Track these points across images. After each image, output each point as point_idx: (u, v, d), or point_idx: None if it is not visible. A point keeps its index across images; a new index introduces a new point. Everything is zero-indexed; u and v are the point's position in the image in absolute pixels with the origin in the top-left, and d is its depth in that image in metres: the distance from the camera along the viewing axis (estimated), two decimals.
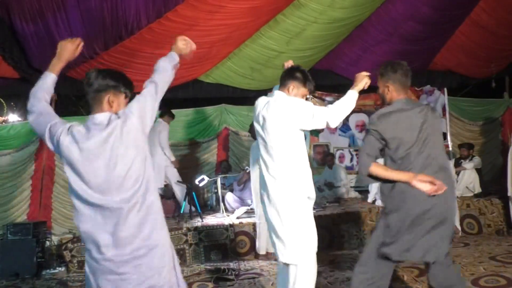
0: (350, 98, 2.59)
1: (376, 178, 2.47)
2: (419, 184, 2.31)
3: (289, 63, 2.87)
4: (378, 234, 2.50)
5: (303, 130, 2.61)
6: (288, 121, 2.52)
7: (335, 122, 2.57)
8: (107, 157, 1.81)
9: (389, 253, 2.39)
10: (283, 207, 2.53)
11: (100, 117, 1.87)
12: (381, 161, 2.57)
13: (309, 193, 2.58)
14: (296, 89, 2.63)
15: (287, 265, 2.56)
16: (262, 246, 4.68)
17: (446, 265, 2.44)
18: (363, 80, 2.63)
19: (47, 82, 2.02)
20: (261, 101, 2.70)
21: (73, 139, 1.83)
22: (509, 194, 5.33)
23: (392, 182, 2.41)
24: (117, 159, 1.82)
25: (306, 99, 2.74)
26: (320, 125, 2.59)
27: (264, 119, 2.59)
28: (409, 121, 2.42)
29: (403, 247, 2.36)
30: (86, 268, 1.90)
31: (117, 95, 1.94)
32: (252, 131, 3.69)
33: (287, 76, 2.68)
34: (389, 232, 2.41)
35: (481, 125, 8.26)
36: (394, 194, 2.40)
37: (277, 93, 2.66)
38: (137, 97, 1.95)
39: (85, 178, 1.82)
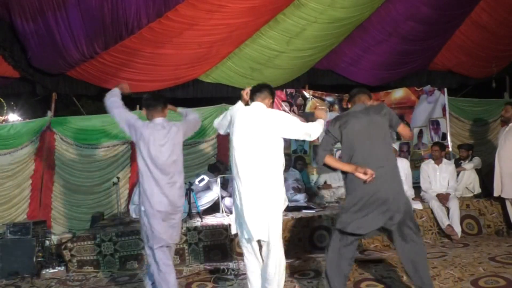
0: (322, 122, 3.35)
1: (330, 168, 3.13)
2: (359, 174, 2.94)
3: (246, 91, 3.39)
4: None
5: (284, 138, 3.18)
6: (280, 130, 3.12)
7: (316, 135, 3.27)
8: None
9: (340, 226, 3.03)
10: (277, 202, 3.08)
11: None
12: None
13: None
14: (267, 99, 3.27)
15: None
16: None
17: (405, 239, 2.97)
18: (323, 114, 3.44)
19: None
20: (243, 110, 3.26)
21: None
22: (494, 194, 5.34)
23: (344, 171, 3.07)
24: None
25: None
26: (303, 137, 3.30)
27: (260, 125, 3.12)
28: (353, 122, 3.09)
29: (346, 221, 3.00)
30: None
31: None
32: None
33: (258, 91, 3.27)
34: (343, 210, 3.10)
35: (481, 125, 8.24)
36: (348, 181, 3.07)
37: (257, 105, 3.23)
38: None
39: None
